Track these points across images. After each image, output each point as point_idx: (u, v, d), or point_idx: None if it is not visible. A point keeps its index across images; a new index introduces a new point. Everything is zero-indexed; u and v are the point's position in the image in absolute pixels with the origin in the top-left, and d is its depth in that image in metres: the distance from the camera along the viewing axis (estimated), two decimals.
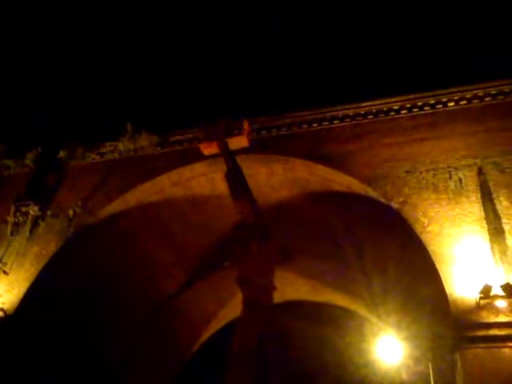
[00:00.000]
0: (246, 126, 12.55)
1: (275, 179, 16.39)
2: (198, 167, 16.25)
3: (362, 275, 17.75)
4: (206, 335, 23.06)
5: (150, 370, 20.10)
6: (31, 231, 16.26)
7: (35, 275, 15.41)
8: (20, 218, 16.53)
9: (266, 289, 12.97)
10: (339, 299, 21.14)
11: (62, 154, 17.95)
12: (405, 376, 15.15)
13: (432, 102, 14.80)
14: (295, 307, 22.96)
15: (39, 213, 16.57)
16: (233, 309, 19.87)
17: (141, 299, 19.07)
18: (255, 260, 12.97)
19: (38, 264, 15.63)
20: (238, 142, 12.78)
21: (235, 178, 12.73)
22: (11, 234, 16.33)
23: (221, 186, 15.72)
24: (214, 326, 22.94)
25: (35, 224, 16.42)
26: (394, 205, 13.47)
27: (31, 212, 16.53)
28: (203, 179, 16.74)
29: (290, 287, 20.57)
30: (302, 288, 21.36)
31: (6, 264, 15.64)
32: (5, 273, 15.43)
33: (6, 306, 14.91)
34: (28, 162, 18.20)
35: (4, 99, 24.98)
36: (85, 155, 17.78)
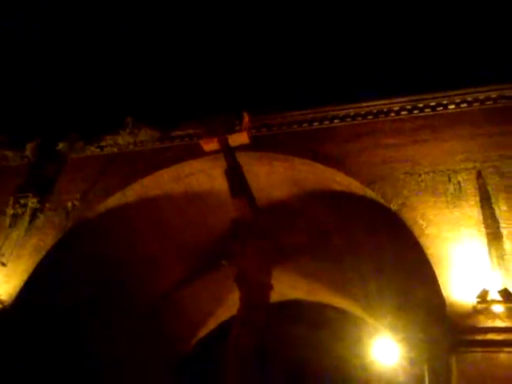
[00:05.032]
0: (246, 118, 12.51)
1: (275, 177, 16.34)
2: (198, 163, 16.19)
3: (359, 276, 17.77)
4: (202, 333, 23.05)
5: (146, 366, 20.08)
6: (30, 223, 16.21)
7: (33, 267, 15.40)
8: (19, 210, 16.46)
9: (263, 287, 12.96)
10: (335, 300, 21.14)
11: (61, 145, 17.83)
12: (401, 378, 15.20)
13: (432, 104, 14.72)
14: (290, 308, 22.95)
15: (38, 205, 16.50)
16: (230, 307, 19.87)
17: (137, 295, 19.05)
18: (252, 258, 12.95)
19: (36, 256, 15.58)
20: (239, 139, 12.74)
21: (235, 175, 12.70)
22: (10, 225, 16.28)
23: (220, 183, 15.68)
24: (211, 324, 22.93)
25: (34, 216, 16.36)
26: (393, 207, 13.43)
27: (30, 204, 16.46)
28: (202, 176, 16.68)
29: (286, 287, 20.56)
30: (298, 288, 21.36)
31: (3, 255, 15.59)
32: (3, 264, 15.38)
33: (3, 297, 14.86)
34: (27, 153, 18.10)
35: (4, 90, 24.87)
36: (85, 148, 17.69)
